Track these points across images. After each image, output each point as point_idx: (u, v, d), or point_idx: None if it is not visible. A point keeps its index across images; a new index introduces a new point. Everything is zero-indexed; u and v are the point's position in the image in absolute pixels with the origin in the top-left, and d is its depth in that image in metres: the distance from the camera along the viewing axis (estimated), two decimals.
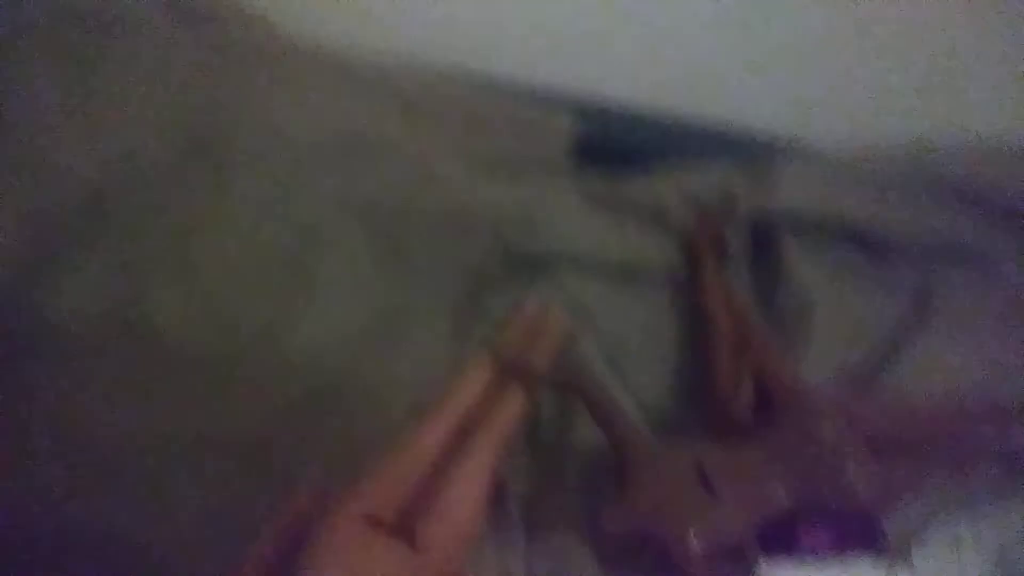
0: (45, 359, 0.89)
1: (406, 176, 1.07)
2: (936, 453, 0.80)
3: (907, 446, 0.78)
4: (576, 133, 1.16)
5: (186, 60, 1.13)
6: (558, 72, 1.23)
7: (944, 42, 1.13)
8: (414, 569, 0.66)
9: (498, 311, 0.99)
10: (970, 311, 1.02)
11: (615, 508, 0.68)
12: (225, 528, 0.78)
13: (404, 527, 0.71)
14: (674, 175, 1.12)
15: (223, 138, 1.06)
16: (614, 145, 1.19)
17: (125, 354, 0.90)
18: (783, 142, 1.17)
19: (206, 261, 0.97)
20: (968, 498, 0.73)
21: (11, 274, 0.92)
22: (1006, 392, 0.87)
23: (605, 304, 1.03)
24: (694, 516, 0.67)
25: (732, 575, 0.66)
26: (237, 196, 1.02)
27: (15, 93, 1.03)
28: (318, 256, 0.99)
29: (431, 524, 0.70)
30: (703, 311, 0.98)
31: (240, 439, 0.85)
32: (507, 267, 1.04)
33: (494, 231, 1.02)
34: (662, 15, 1.19)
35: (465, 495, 0.74)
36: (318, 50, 1.18)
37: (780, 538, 0.73)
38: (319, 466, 0.81)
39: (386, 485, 0.73)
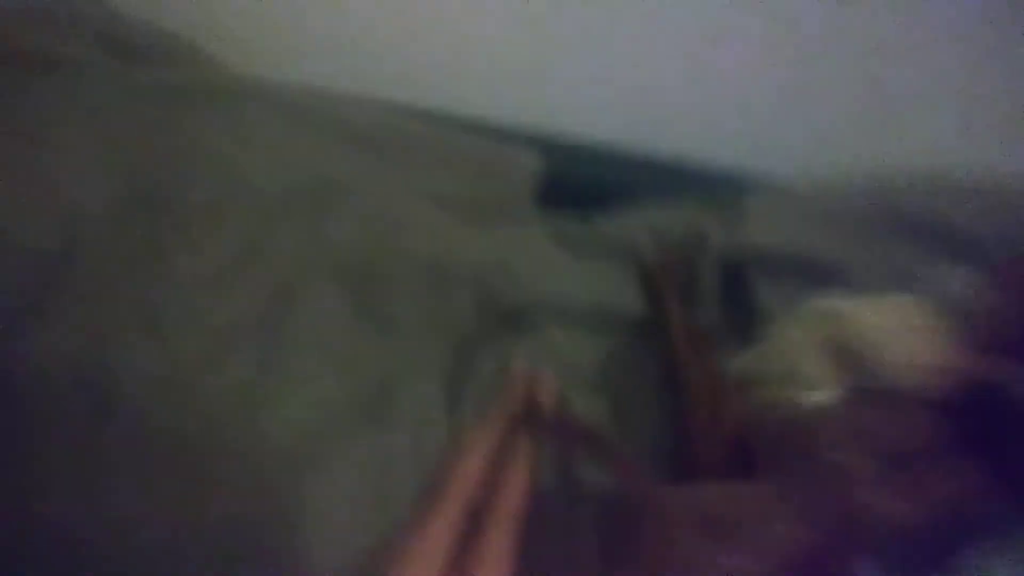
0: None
1: (377, 222, 1.02)
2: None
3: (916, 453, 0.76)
4: (543, 172, 1.13)
5: (127, 102, 1.05)
6: (523, 110, 1.20)
7: (898, 84, 1.17)
8: None
9: (486, 371, 0.96)
10: None
11: (626, 562, 0.66)
12: None
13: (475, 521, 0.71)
14: (643, 212, 1.11)
15: (179, 189, 0.99)
16: (582, 183, 1.17)
17: (90, 430, 0.82)
18: (750, 179, 1.18)
19: (172, 325, 0.89)
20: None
21: None
22: None
23: (588, 353, 1.02)
24: (712, 566, 0.66)
25: None
26: (200, 252, 0.95)
27: None
28: (292, 317, 0.93)
29: (497, 512, 0.72)
30: (673, 355, 0.98)
31: (214, 524, 0.78)
32: (489, 320, 1.01)
33: (475, 285, 0.99)
34: (630, 54, 1.18)
35: (518, 480, 0.77)
36: (271, 88, 1.12)
37: None
38: (306, 555, 0.77)
39: None
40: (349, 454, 0.83)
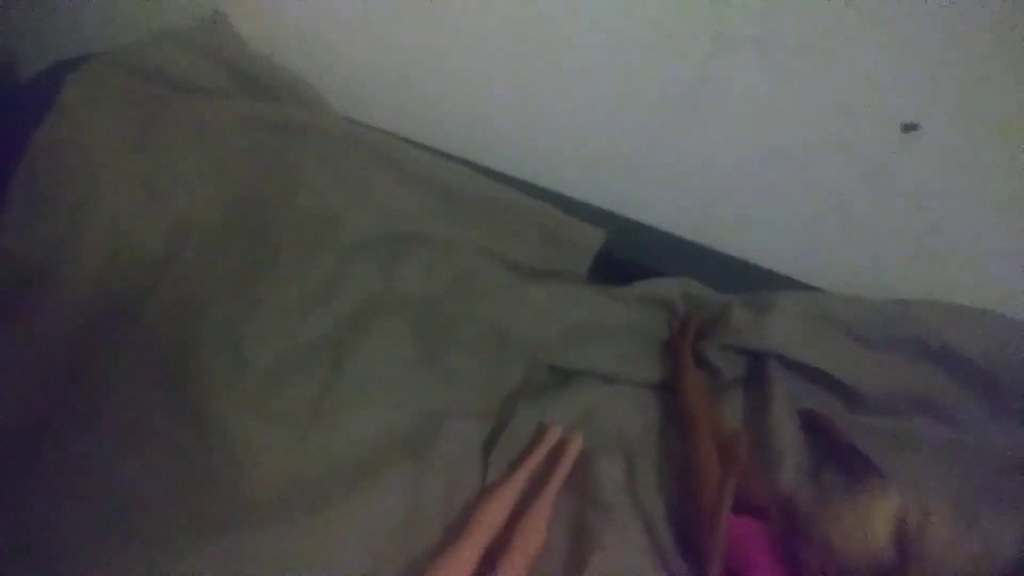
0: (98, 415, 0.92)
1: (448, 275, 1.13)
2: None
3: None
4: (603, 246, 1.22)
5: (246, 130, 1.17)
6: (589, 186, 1.31)
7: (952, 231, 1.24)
8: None
9: (524, 425, 1.05)
10: (933, 454, 1.11)
11: None
12: None
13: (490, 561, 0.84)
14: (682, 280, 1.22)
15: (277, 216, 1.11)
16: (630, 260, 1.26)
17: (166, 420, 0.94)
18: (785, 280, 1.27)
19: (253, 340, 1.00)
20: None
21: (81, 326, 0.97)
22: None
23: (618, 413, 1.10)
24: None
25: None
26: (288, 279, 1.06)
27: (84, 147, 1.06)
28: (360, 348, 1.04)
29: (511, 554, 0.84)
30: (683, 405, 1.07)
31: (252, 513, 0.89)
32: (535, 379, 1.10)
33: (529, 347, 1.08)
34: (704, 161, 1.27)
35: (534, 528, 0.88)
36: (373, 136, 1.23)
37: None
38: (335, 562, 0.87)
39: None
40: (388, 480, 0.93)
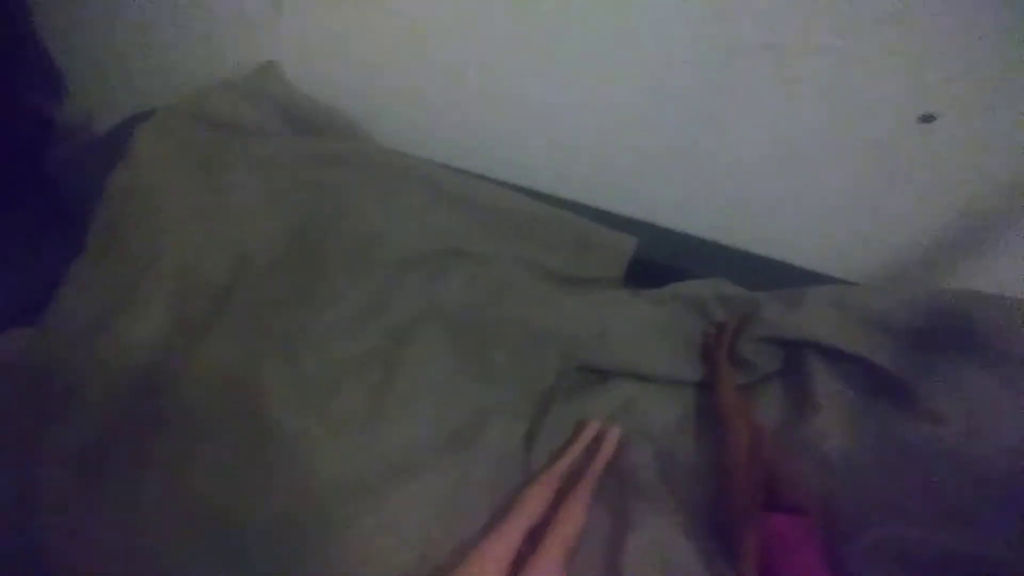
0: (170, 424, 1.03)
1: (489, 287, 1.21)
2: None
3: None
4: (635, 253, 1.29)
5: (296, 165, 1.27)
6: (618, 197, 1.38)
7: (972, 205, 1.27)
8: None
9: (564, 419, 1.12)
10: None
11: None
12: None
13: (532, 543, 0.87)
14: (715, 280, 1.28)
15: (329, 240, 1.20)
16: (663, 264, 1.32)
17: (232, 427, 1.03)
18: (816, 276, 1.32)
19: (308, 355, 1.10)
20: None
21: (154, 348, 1.08)
22: None
23: (653, 406, 1.16)
24: None
25: None
26: (339, 300, 1.16)
27: (154, 190, 1.19)
28: (405, 358, 1.12)
29: (552, 536, 0.88)
30: (718, 407, 1.11)
31: (311, 513, 0.97)
32: (571, 375, 1.17)
33: (562, 345, 1.15)
34: (728, 167, 1.34)
35: (574, 512, 0.93)
36: (412, 162, 1.33)
37: None
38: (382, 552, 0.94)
39: None
40: (437, 471, 1.01)
